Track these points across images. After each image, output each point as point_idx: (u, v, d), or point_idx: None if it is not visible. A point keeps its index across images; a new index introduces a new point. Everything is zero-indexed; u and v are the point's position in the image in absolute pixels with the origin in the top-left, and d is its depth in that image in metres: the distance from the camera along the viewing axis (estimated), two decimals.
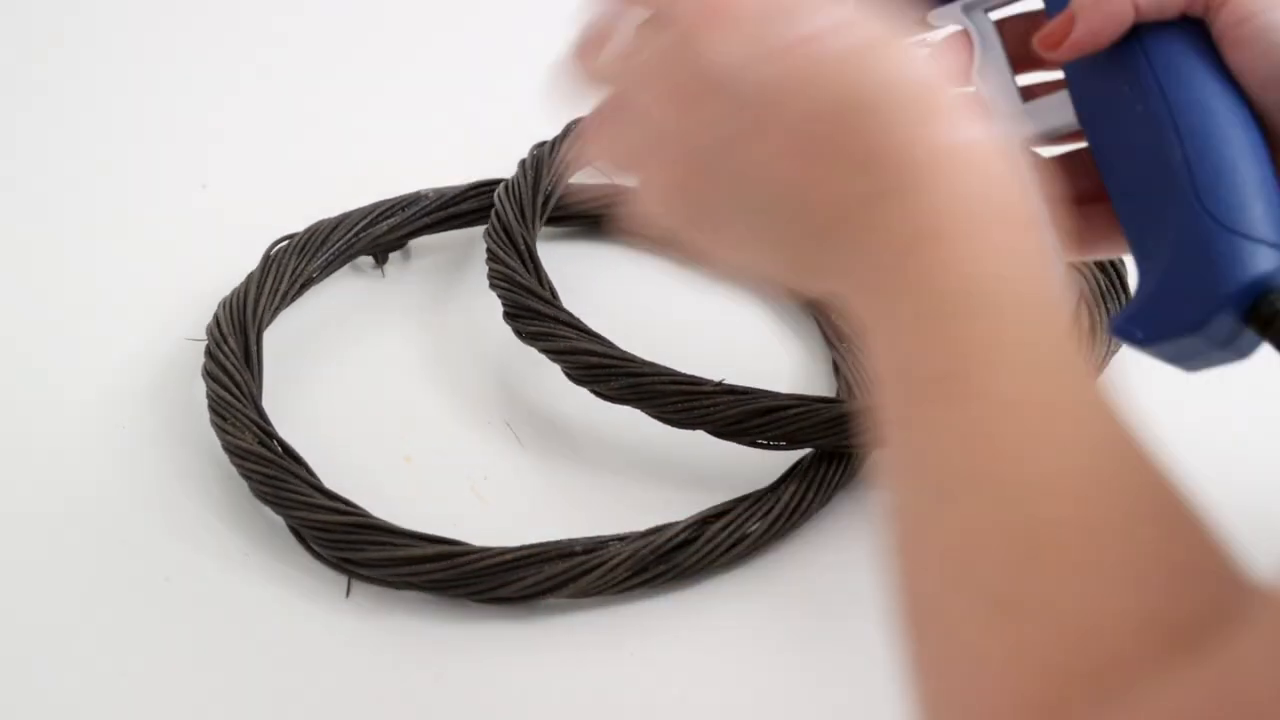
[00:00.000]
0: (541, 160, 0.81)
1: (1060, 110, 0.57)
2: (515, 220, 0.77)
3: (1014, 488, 0.40)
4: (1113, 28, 0.55)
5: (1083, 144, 0.58)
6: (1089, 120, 0.56)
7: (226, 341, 0.72)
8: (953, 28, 0.58)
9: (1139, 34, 0.54)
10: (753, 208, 0.49)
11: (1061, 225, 0.48)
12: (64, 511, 0.69)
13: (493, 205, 0.79)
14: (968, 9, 0.59)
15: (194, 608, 0.65)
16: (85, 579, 0.66)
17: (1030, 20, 0.60)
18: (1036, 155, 0.57)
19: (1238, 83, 0.53)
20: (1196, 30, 0.54)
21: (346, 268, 0.81)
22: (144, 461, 0.71)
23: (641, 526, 0.66)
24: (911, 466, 0.42)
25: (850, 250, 0.46)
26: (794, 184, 0.47)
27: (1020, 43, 0.59)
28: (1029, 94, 0.59)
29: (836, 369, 0.77)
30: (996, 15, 0.59)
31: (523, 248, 0.76)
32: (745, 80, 0.48)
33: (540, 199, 0.79)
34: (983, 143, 0.45)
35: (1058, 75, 0.58)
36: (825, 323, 0.79)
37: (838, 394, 0.75)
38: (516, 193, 0.79)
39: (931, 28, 0.58)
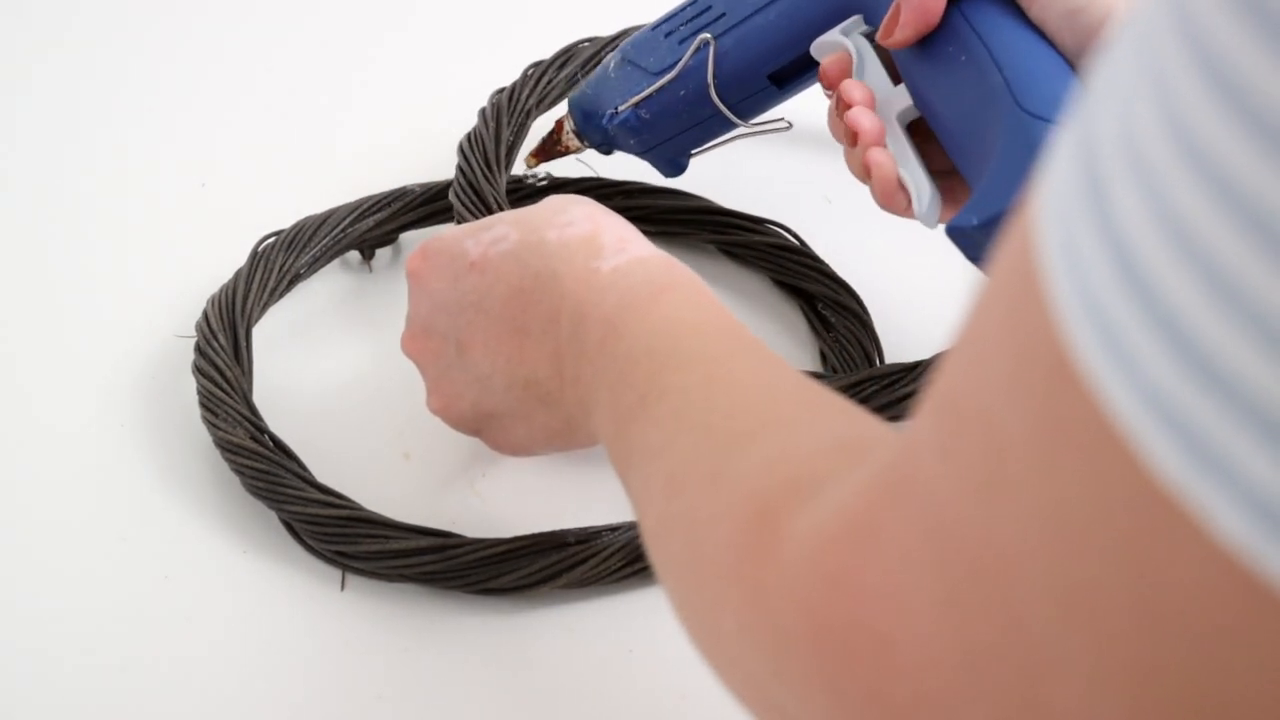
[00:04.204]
0: (501, 107, 0.80)
1: (904, 95, 0.68)
2: (483, 175, 0.77)
3: (706, 410, 0.49)
4: (931, 2, 0.68)
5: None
6: (923, 94, 0.67)
7: (216, 338, 0.72)
8: (839, 47, 0.70)
9: (959, 6, 0.65)
10: (498, 397, 0.63)
11: None
12: (56, 509, 0.69)
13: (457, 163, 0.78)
14: (845, 32, 0.70)
15: (190, 603, 0.65)
16: (81, 577, 0.66)
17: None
18: None
19: (1042, 32, 0.65)
20: None
21: (335, 263, 0.81)
22: (136, 458, 0.71)
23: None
24: (635, 460, 0.51)
25: (572, 387, 0.58)
26: (512, 359, 0.61)
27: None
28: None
29: (824, 357, 0.77)
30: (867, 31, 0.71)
31: (494, 206, 0.75)
32: (455, 293, 0.63)
33: (504, 149, 0.79)
34: (642, 254, 0.58)
35: None
36: (811, 312, 0.80)
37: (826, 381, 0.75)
38: (480, 145, 0.78)
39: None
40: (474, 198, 0.76)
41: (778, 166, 0.89)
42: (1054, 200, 0.31)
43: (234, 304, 0.73)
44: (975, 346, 0.34)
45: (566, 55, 0.84)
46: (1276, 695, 0.30)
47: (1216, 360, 0.28)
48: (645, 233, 0.82)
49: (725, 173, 0.86)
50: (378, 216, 0.80)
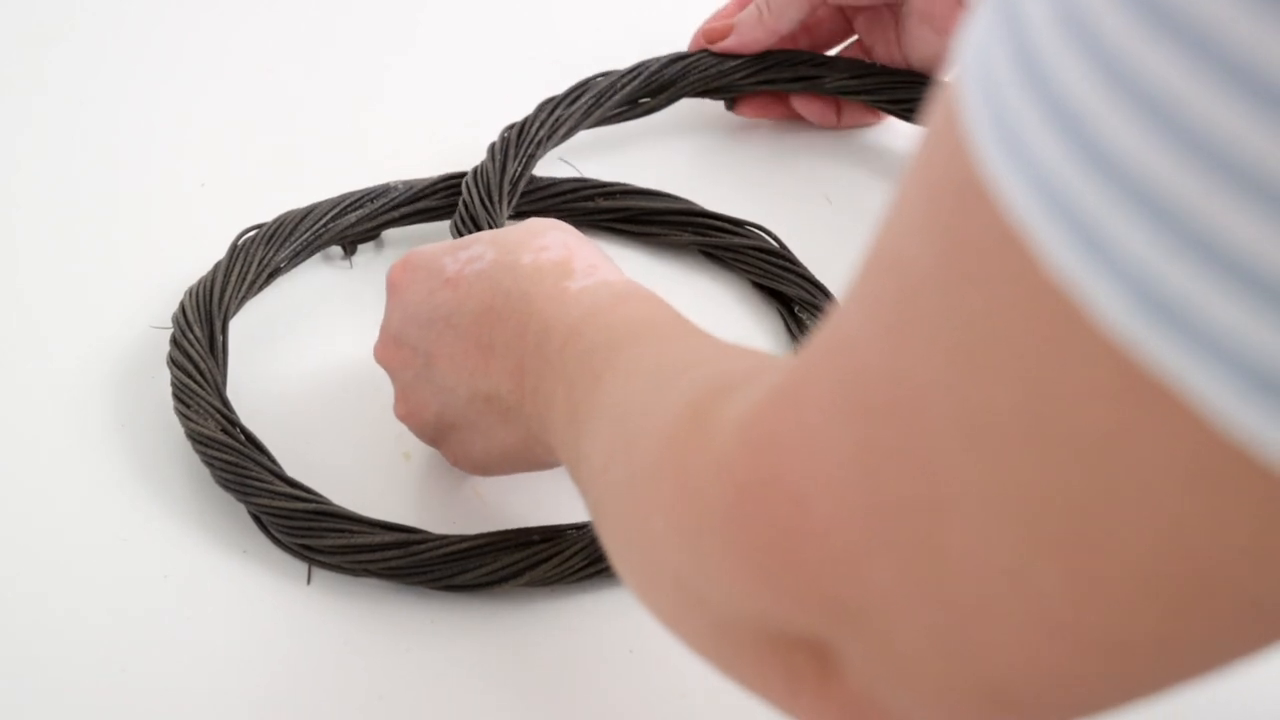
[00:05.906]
0: (510, 143, 0.81)
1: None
2: (482, 206, 0.77)
3: (656, 365, 0.50)
4: (754, 48, 0.85)
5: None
6: None
7: (191, 329, 0.72)
8: None
9: None
10: (460, 409, 0.64)
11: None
12: (24, 497, 0.69)
13: (459, 195, 0.79)
14: None
15: (153, 595, 0.65)
16: (47, 565, 0.66)
17: None
18: None
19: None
20: None
21: (316, 258, 0.81)
22: (108, 449, 0.71)
23: None
24: (584, 433, 0.52)
25: (531, 399, 0.59)
26: (476, 373, 0.62)
27: None
28: None
29: None
30: None
31: None
32: (428, 306, 0.64)
33: (507, 184, 0.80)
34: (610, 278, 0.59)
35: None
36: (789, 315, 0.80)
37: None
38: (484, 179, 0.79)
39: None
40: (471, 228, 0.77)
41: (778, 165, 0.89)
42: (974, 27, 0.32)
43: (211, 296, 0.74)
44: (897, 202, 0.35)
45: (581, 89, 0.85)
46: (1156, 520, 0.30)
47: (1098, 136, 0.28)
48: (627, 234, 0.83)
49: (724, 172, 0.86)
50: (360, 213, 0.80)
